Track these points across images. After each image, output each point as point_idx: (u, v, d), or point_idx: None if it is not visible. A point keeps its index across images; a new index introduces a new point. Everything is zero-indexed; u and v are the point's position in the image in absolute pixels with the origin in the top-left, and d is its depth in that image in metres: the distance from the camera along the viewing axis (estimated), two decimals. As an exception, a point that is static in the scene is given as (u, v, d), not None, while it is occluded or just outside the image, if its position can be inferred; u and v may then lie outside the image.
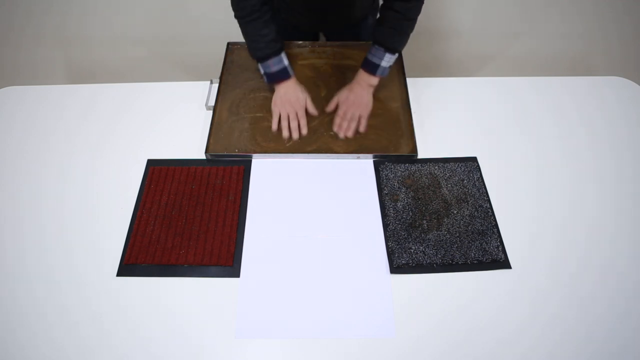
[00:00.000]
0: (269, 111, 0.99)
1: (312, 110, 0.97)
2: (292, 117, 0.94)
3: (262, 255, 0.79)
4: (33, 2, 1.81)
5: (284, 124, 0.94)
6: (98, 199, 0.87)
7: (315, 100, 1.01)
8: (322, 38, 1.23)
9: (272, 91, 1.04)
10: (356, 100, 0.95)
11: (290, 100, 0.95)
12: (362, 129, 0.95)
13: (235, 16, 0.91)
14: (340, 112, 0.96)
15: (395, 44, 0.91)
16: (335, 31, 1.15)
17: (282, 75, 0.95)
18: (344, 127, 0.94)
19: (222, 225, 0.83)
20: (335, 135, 0.95)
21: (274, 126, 0.95)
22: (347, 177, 0.90)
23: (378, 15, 0.93)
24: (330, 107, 0.98)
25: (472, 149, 0.95)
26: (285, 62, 0.95)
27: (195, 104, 1.03)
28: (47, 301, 0.74)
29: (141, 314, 0.73)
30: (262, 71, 0.96)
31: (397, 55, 0.93)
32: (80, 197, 0.87)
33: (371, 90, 0.97)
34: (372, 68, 0.94)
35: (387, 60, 0.92)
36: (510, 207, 0.86)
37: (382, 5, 0.92)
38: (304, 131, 0.94)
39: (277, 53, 0.94)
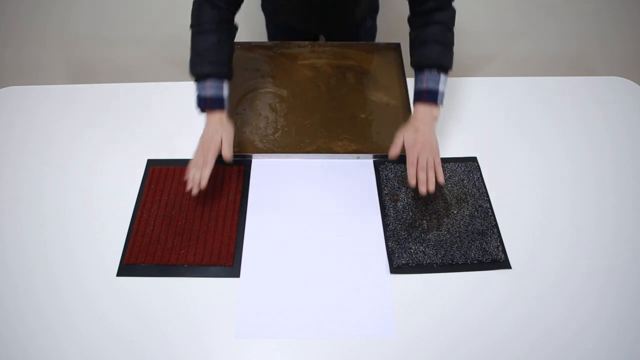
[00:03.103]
0: (269, 111, 1.00)
1: (227, 153, 0.80)
2: (197, 163, 0.79)
3: (262, 255, 0.79)
4: (34, 2, 1.81)
5: (189, 174, 0.80)
6: (98, 199, 0.87)
7: (316, 100, 1.02)
8: (322, 38, 1.23)
9: (274, 88, 1.04)
10: (426, 143, 0.80)
11: (203, 143, 0.81)
12: (441, 179, 0.79)
13: (190, 26, 0.82)
14: (411, 159, 0.79)
15: (449, 60, 0.81)
16: (334, 33, 1.15)
17: (213, 104, 0.82)
18: (422, 179, 0.78)
19: (222, 225, 0.83)
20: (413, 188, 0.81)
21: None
22: (347, 177, 0.90)
23: (412, 36, 0.83)
24: (394, 152, 0.82)
25: (472, 149, 0.95)
26: (225, 92, 0.83)
27: (195, 104, 1.02)
28: (47, 301, 0.74)
29: (141, 315, 0.73)
30: (195, 93, 0.83)
31: (448, 77, 0.82)
32: (80, 197, 0.87)
33: (435, 123, 0.83)
34: (432, 97, 0.81)
35: (443, 82, 0.81)
36: (510, 207, 0.86)
37: (415, 23, 0.83)
38: (203, 184, 0.78)
39: (221, 76, 0.82)
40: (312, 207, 0.85)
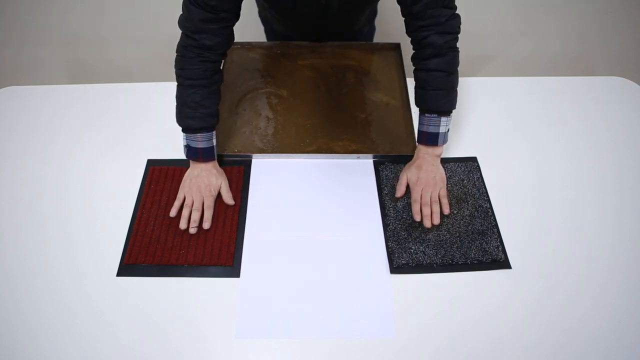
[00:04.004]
0: (269, 111, 1.00)
1: (228, 198, 0.84)
2: (195, 206, 0.82)
3: (262, 255, 0.79)
4: (34, 2, 1.81)
5: (184, 213, 0.82)
6: (98, 199, 0.87)
7: (316, 100, 1.02)
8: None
9: (274, 88, 1.04)
10: (429, 179, 0.83)
11: (199, 186, 0.83)
12: (446, 210, 0.83)
13: (178, 75, 0.81)
14: (415, 196, 0.83)
15: (449, 104, 0.82)
16: (332, 40, 1.14)
17: (206, 155, 0.83)
18: (427, 214, 0.82)
19: (222, 225, 0.83)
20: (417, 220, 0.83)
21: (173, 212, 0.83)
22: (347, 177, 0.90)
23: (415, 77, 0.84)
24: (400, 192, 0.85)
25: (472, 149, 0.95)
26: (214, 141, 0.84)
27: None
28: (48, 301, 0.74)
29: (141, 314, 0.73)
30: (184, 142, 0.84)
31: (452, 115, 0.83)
32: (80, 197, 0.87)
33: (439, 160, 0.86)
34: (432, 139, 0.83)
35: (445, 124, 0.82)
36: (510, 207, 0.86)
37: (417, 66, 0.83)
38: (206, 225, 0.81)
39: (211, 129, 0.83)
40: (312, 207, 0.85)
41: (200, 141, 0.82)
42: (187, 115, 0.81)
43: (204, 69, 0.80)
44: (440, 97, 0.81)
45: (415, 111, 0.99)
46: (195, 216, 0.81)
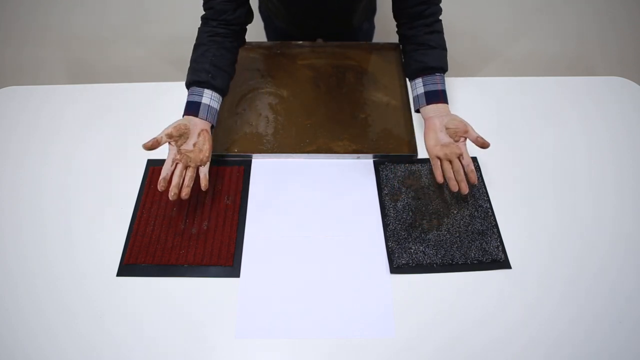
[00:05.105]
0: (269, 111, 1.00)
1: (166, 131, 0.80)
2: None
3: (262, 255, 0.79)
4: (34, 2, 1.82)
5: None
6: (98, 198, 0.87)
7: (316, 100, 1.02)
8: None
9: (274, 88, 1.04)
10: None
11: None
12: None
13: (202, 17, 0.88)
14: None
15: (446, 62, 0.89)
16: (331, 38, 1.15)
17: (190, 108, 0.82)
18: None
19: (222, 225, 0.83)
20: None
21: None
22: (347, 177, 0.90)
23: (423, 44, 0.88)
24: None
25: (472, 149, 0.94)
26: (207, 100, 0.82)
27: None
28: (47, 301, 0.74)
29: (141, 314, 0.73)
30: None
31: None
32: (80, 197, 0.87)
33: None
34: (443, 96, 0.85)
35: (444, 82, 0.88)
36: (510, 207, 0.86)
37: (422, 33, 0.87)
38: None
39: (202, 84, 0.83)
40: (312, 207, 0.85)
41: (191, 95, 0.84)
42: (187, 73, 0.86)
43: (203, 31, 0.87)
44: (444, 55, 0.89)
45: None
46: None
